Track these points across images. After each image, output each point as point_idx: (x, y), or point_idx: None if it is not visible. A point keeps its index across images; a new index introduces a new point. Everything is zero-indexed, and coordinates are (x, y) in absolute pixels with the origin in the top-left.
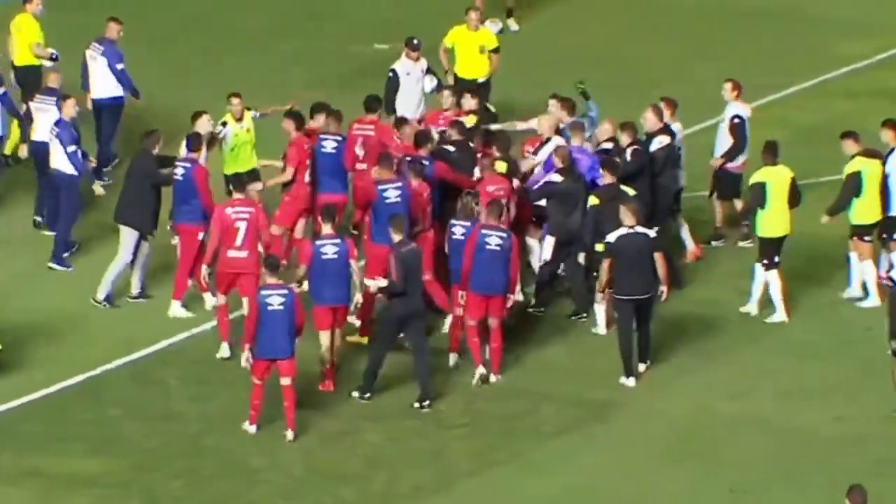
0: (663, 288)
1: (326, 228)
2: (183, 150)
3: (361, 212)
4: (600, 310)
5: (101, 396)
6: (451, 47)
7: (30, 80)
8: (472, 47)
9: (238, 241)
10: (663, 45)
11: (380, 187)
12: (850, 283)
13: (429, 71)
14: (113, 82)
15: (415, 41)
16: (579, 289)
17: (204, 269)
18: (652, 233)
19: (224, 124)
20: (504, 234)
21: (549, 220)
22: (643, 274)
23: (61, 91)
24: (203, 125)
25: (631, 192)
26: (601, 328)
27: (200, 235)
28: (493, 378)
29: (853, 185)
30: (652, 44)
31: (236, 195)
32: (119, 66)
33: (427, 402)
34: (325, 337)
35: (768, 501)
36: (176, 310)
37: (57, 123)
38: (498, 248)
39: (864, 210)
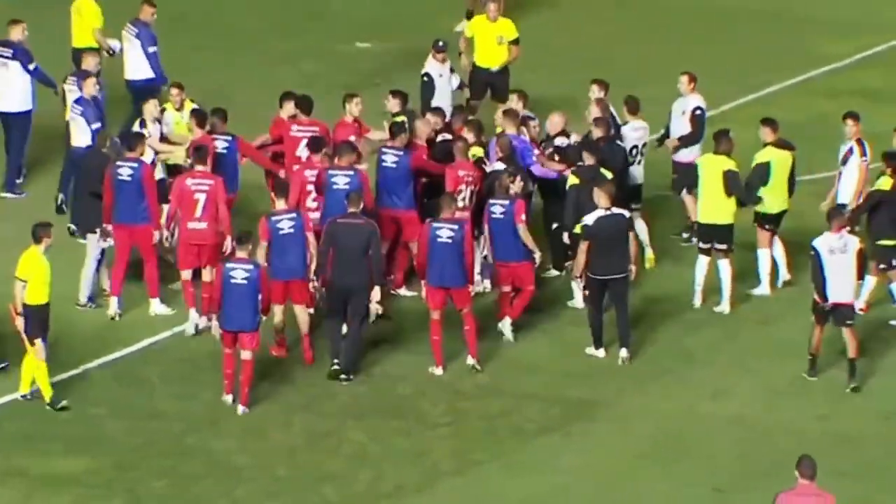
0: (633, 267)
1: (280, 204)
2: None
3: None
4: (577, 286)
5: (84, 395)
6: (471, 37)
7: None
8: (490, 37)
9: (197, 213)
10: (646, 45)
11: (329, 172)
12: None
13: (452, 70)
14: (146, 64)
15: (440, 43)
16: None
17: (161, 233)
18: (627, 213)
19: (163, 111)
20: (455, 226)
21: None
22: (618, 255)
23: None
24: (149, 110)
25: (609, 174)
26: (578, 302)
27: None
28: (469, 360)
29: (760, 174)
30: (636, 45)
31: (197, 167)
32: (151, 49)
33: (348, 377)
34: (278, 311)
35: (753, 501)
36: (156, 307)
37: (78, 101)
38: (449, 241)
39: (770, 199)
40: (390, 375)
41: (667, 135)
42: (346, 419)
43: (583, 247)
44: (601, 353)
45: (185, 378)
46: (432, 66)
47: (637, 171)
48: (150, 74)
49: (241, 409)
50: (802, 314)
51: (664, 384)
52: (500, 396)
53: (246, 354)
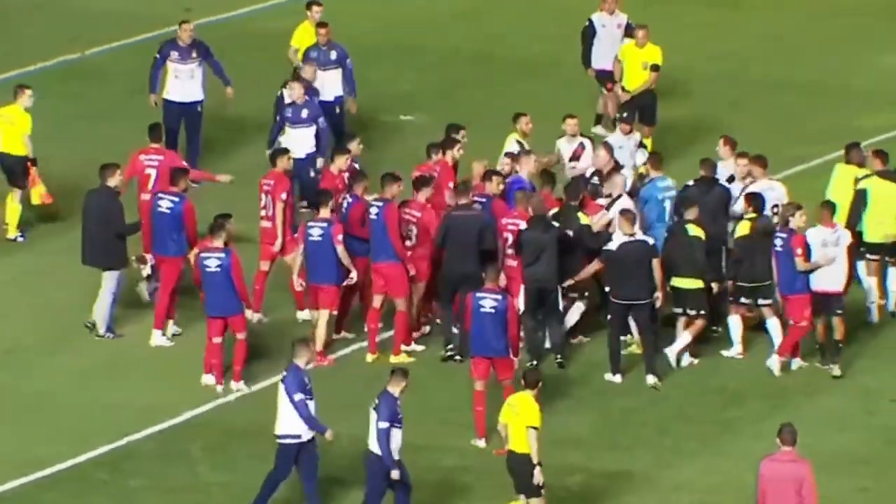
0: (658, 294)
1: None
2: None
3: None
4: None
5: (122, 467)
6: (621, 60)
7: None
8: (637, 63)
9: (149, 186)
10: (685, 112)
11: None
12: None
13: (641, 145)
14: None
15: (626, 114)
16: (556, 332)
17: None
18: (651, 240)
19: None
20: (498, 297)
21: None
22: (640, 280)
23: None
24: None
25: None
26: (570, 321)
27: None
28: (478, 442)
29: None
30: (675, 111)
31: (152, 144)
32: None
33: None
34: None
35: None
36: (157, 339)
37: None
38: (492, 311)
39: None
40: (430, 447)
41: None
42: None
43: (590, 268)
44: (618, 378)
45: (227, 450)
46: (616, 137)
47: None
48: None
49: (234, 384)
50: (847, 386)
51: (708, 456)
52: (543, 469)
53: (240, 335)
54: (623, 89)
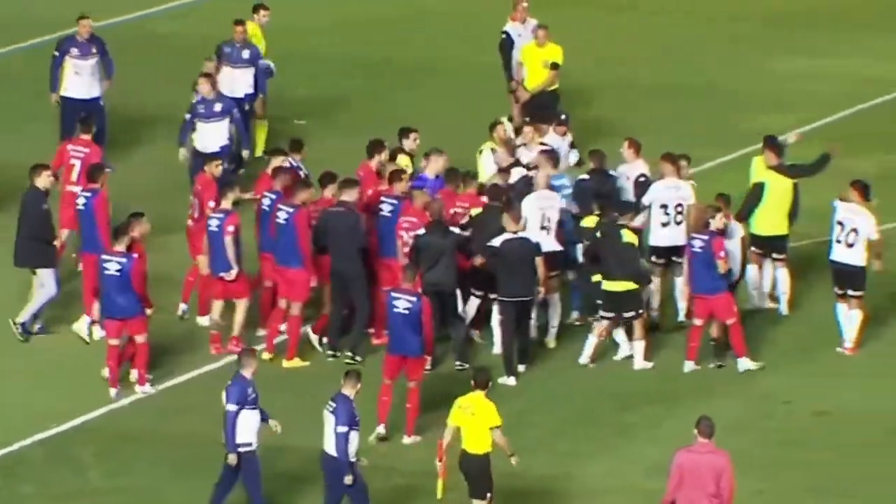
0: (541, 289)
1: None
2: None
3: None
4: (474, 303)
5: (13, 473)
6: (522, 62)
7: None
8: (538, 62)
9: (73, 177)
10: (578, 115)
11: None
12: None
13: (572, 145)
14: None
15: (563, 117)
16: (457, 336)
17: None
18: (534, 238)
19: None
20: (413, 297)
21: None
22: (525, 277)
23: None
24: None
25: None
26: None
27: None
28: (406, 440)
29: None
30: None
31: (81, 135)
32: None
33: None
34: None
35: None
36: (82, 325)
37: None
38: (406, 312)
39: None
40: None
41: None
42: (297, 483)
43: (478, 260)
44: (512, 381)
45: (119, 455)
46: (552, 138)
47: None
48: None
49: (139, 388)
50: (743, 389)
51: (605, 461)
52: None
53: (139, 338)
54: (524, 89)
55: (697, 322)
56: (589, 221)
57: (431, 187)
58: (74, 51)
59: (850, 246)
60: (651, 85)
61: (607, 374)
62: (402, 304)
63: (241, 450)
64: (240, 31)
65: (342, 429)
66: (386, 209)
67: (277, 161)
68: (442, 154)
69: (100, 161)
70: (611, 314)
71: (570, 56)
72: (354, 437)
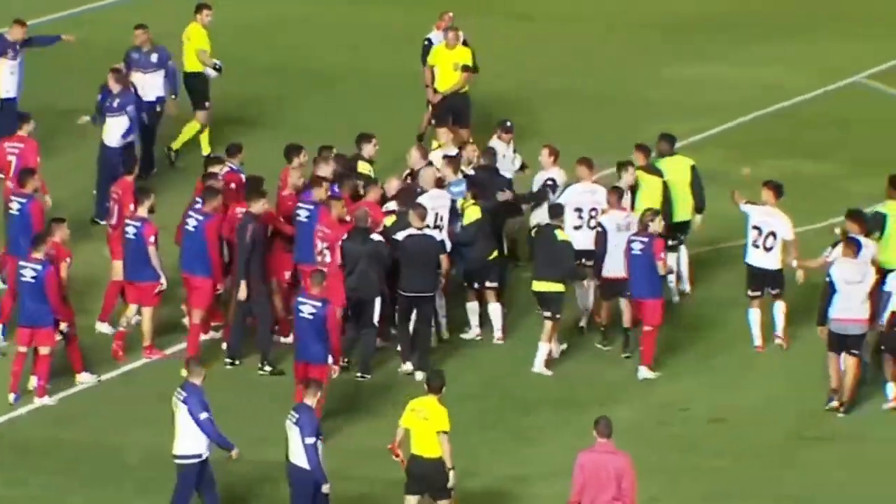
0: (443, 280)
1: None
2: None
3: None
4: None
5: None
6: (433, 65)
7: (197, 86)
8: (448, 64)
9: (11, 173)
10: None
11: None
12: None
13: (515, 151)
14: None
15: (508, 123)
16: (366, 344)
17: None
18: (438, 235)
19: None
20: (318, 303)
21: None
22: (425, 274)
23: None
24: None
25: None
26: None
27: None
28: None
29: None
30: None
31: (20, 132)
32: None
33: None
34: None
35: None
36: None
37: None
38: (310, 317)
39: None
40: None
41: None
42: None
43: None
44: (408, 366)
45: (16, 465)
46: (497, 144)
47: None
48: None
49: (38, 400)
50: (642, 396)
51: (494, 463)
52: (347, 481)
53: (43, 350)
54: (435, 91)
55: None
56: (472, 211)
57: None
58: (10, 52)
59: (769, 250)
60: (553, 92)
61: (509, 378)
62: (307, 308)
63: (192, 461)
64: (140, 34)
65: (310, 440)
66: (303, 215)
67: (215, 169)
68: (329, 160)
69: (31, 165)
70: (546, 313)
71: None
72: (320, 445)
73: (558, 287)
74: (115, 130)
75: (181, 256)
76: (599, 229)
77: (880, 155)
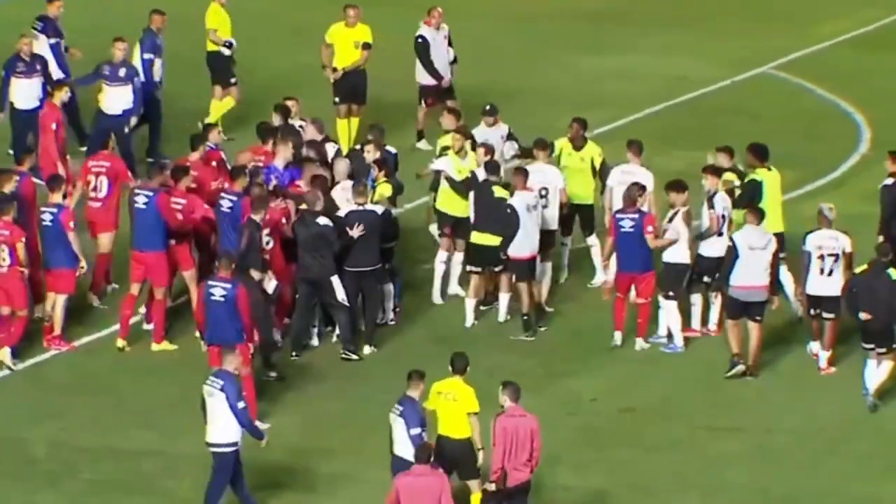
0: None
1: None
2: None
3: None
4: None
5: None
6: (332, 43)
7: (217, 64)
8: (349, 42)
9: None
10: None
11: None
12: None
13: (510, 136)
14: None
15: (487, 107)
16: (343, 324)
17: None
18: (380, 210)
19: None
20: (228, 285)
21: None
22: (369, 248)
23: None
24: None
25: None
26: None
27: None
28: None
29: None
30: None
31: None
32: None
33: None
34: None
35: None
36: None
37: None
38: (221, 299)
39: None
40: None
41: None
42: (89, 498)
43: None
44: (367, 349)
45: None
46: (481, 129)
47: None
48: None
49: None
50: (550, 386)
51: None
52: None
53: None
54: (334, 69)
55: (620, 295)
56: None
57: (280, 177)
58: None
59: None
60: (464, 85)
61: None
62: (217, 291)
63: (229, 450)
64: (121, 47)
65: (416, 431)
66: (225, 205)
67: (199, 152)
68: (288, 143)
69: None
70: (478, 268)
71: (384, 56)
72: (425, 437)
73: (495, 241)
74: (116, 99)
75: (133, 235)
76: (509, 210)
77: (789, 147)
